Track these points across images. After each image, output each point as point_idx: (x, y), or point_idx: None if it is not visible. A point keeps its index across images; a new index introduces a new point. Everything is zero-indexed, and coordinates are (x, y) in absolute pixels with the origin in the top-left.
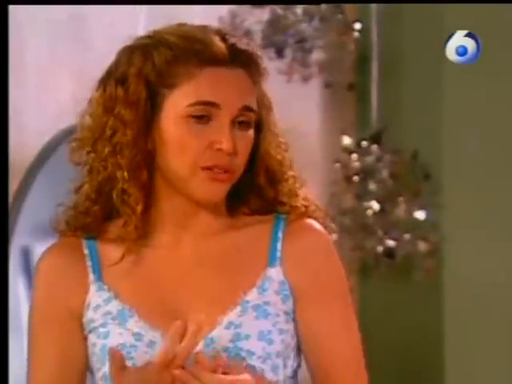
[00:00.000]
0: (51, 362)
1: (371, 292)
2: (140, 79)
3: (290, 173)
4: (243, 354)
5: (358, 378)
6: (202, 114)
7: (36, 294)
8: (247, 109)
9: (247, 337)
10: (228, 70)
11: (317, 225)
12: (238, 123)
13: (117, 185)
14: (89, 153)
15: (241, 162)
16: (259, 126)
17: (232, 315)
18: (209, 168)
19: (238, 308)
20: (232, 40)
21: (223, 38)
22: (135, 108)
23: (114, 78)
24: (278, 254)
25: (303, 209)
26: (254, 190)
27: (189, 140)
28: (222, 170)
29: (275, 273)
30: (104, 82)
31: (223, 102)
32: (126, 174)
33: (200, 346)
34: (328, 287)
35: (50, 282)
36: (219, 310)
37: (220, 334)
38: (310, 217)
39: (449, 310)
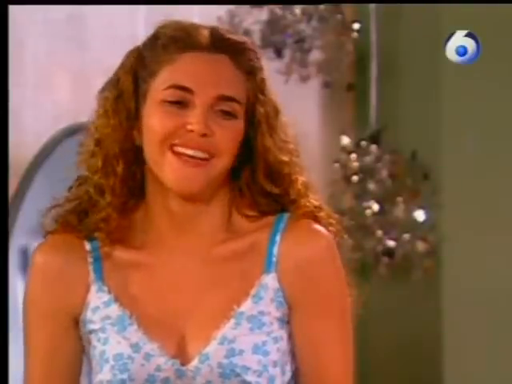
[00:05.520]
0: (42, 359)
1: (370, 291)
2: (129, 74)
3: (301, 177)
4: (238, 369)
5: None
6: (178, 100)
7: (31, 288)
8: (226, 98)
9: (241, 352)
10: (209, 55)
11: (318, 226)
12: (220, 112)
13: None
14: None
15: (223, 148)
16: (255, 121)
17: (226, 329)
18: (177, 145)
19: (232, 321)
20: (222, 31)
21: (212, 29)
22: (120, 100)
23: (110, 82)
24: (274, 258)
25: (309, 208)
26: (258, 189)
27: (160, 120)
28: (193, 149)
29: (271, 279)
30: (103, 89)
31: (197, 87)
32: (100, 163)
33: (195, 363)
34: (325, 296)
35: (47, 276)
36: (214, 324)
37: (214, 350)
38: (315, 217)
39: (447, 310)
